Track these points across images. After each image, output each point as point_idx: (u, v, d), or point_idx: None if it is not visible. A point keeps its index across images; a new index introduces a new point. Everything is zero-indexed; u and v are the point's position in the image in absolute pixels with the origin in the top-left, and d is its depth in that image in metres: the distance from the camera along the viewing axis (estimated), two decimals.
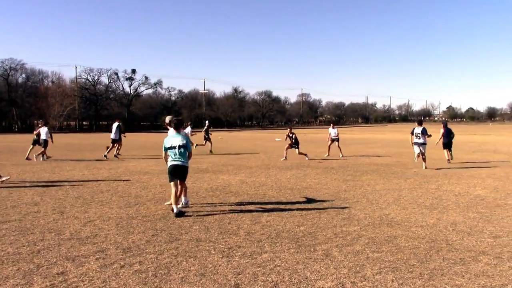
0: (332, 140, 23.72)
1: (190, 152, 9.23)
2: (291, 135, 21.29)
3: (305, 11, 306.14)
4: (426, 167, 17.06)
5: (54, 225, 7.94)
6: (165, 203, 9.83)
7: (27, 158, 20.84)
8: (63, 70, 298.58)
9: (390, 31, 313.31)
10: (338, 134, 24.02)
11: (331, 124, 25.02)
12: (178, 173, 9.03)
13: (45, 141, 21.10)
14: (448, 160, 19.56)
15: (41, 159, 20.82)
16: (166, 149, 9.19)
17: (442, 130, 20.44)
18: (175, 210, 8.67)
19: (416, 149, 17.65)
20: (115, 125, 23.03)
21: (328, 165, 18.61)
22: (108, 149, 22.64)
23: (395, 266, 5.78)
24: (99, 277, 5.34)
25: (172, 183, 8.98)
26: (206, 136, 27.60)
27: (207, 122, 31.03)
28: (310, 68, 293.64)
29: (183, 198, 9.53)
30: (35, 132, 22.10)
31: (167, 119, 10.88)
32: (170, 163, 9.10)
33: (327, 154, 23.38)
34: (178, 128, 9.33)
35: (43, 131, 21.23)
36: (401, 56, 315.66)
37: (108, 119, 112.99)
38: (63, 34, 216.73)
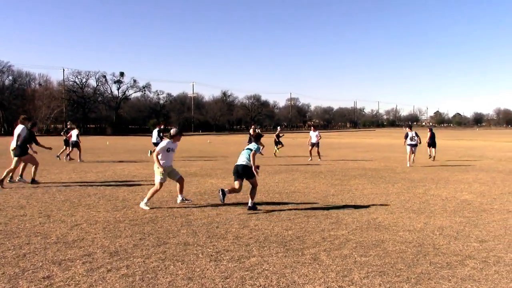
0: (312, 145, 23.51)
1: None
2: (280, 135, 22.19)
3: (294, 16, 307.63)
4: (413, 162, 20.61)
5: (40, 228, 7.86)
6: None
7: (58, 157, 22.76)
8: (51, 72, 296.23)
9: (379, 37, 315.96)
10: (319, 138, 23.52)
11: (312, 128, 24.73)
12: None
13: (75, 143, 22.08)
14: (430, 156, 24.02)
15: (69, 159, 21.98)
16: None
17: (428, 134, 24.72)
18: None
19: (409, 149, 20.49)
20: (155, 131, 23.69)
21: (317, 169, 18.65)
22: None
23: (382, 270, 5.80)
24: (85, 281, 5.29)
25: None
26: (277, 140, 28.16)
27: (279, 127, 32.43)
28: (299, 73, 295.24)
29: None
30: (67, 135, 22.92)
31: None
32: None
33: (310, 158, 23.32)
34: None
35: (74, 133, 22.32)
36: (389, 61, 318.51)
37: (96, 122, 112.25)
38: (51, 36, 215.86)
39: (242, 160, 9.85)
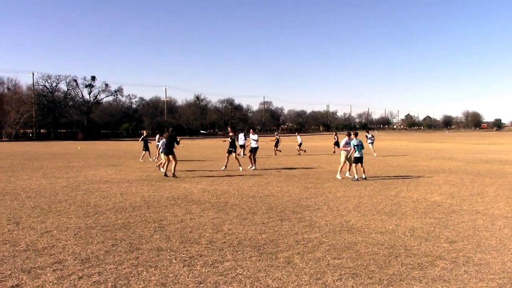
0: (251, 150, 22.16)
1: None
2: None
3: (266, 20, 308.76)
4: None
5: (9, 236, 7.68)
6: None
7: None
8: (20, 76, 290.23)
9: (349, 40, 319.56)
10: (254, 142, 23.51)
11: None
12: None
13: (157, 146, 23.67)
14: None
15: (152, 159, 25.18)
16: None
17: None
18: None
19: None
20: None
21: (290, 173, 18.73)
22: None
23: (355, 272, 5.86)
24: None
25: None
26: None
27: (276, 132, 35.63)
28: (273, 77, 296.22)
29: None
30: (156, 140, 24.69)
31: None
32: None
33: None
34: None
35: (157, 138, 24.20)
36: (361, 65, 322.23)
37: (66, 127, 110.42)
38: (20, 39, 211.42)
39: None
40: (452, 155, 32.34)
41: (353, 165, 16.52)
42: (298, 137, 35.63)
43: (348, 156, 16.83)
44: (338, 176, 16.78)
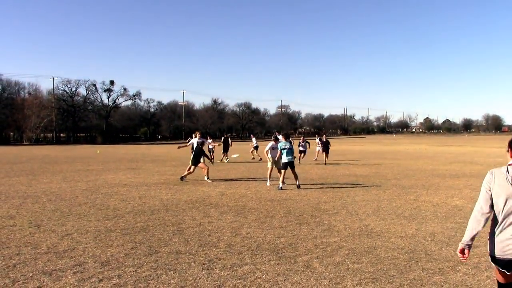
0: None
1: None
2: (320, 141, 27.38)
3: (283, 24, 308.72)
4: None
5: (31, 238, 7.78)
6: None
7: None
8: (40, 81, 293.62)
9: (368, 44, 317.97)
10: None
11: (317, 135, 30.83)
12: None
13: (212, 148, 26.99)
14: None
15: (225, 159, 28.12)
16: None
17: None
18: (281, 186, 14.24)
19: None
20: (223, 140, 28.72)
21: (308, 176, 18.67)
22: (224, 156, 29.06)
23: (375, 277, 5.80)
24: None
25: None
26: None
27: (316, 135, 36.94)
28: (290, 80, 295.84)
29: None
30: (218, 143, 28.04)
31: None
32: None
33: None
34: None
35: (209, 141, 26.19)
36: (379, 68, 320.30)
37: (86, 131, 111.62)
38: (40, 45, 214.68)
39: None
40: (472, 159, 31.93)
41: (282, 171, 14.88)
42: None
43: (276, 161, 15.61)
44: (268, 183, 15.65)
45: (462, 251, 3.86)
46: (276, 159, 15.61)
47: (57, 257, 6.62)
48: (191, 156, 17.24)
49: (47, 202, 11.78)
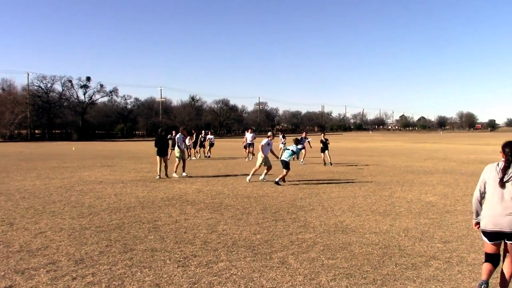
0: (249, 145, 27.03)
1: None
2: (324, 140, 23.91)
3: (261, 21, 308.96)
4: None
5: (3, 237, 7.65)
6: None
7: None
8: (15, 77, 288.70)
9: (345, 41, 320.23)
10: (254, 138, 27.27)
11: (249, 130, 28.26)
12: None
13: (251, 144, 26.90)
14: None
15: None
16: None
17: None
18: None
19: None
20: (250, 134, 27.28)
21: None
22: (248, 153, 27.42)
23: (349, 272, 5.87)
24: None
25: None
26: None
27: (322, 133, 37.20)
28: (267, 77, 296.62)
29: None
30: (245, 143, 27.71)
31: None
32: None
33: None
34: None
35: (249, 136, 26.88)
36: (355, 65, 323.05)
37: (61, 127, 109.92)
38: (15, 40, 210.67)
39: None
40: (446, 155, 32.46)
41: (284, 170, 15.11)
42: (249, 134, 28.05)
43: (267, 159, 15.82)
44: (248, 179, 15.72)
45: (476, 224, 5.13)
46: (267, 156, 15.93)
47: (30, 256, 6.53)
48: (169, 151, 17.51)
49: (20, 199, 11.59)
